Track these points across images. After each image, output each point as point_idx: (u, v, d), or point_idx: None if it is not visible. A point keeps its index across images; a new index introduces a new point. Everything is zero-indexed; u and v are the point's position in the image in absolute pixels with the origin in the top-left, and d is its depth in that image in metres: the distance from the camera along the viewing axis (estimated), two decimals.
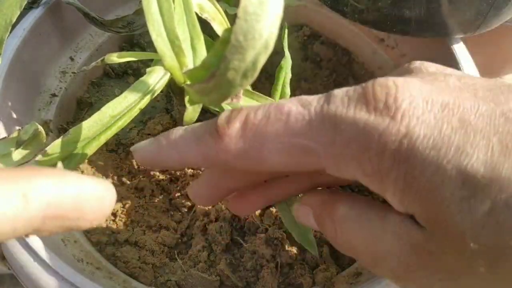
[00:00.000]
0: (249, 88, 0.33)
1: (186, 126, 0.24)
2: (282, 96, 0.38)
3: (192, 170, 0.42)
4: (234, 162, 0.22)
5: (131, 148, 0.26)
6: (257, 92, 0.32)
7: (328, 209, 0.25)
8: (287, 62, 0.38)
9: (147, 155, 0.26)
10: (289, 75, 0.38)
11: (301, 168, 0.23)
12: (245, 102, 0.33)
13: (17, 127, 0.39)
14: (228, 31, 0.16)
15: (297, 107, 0.22)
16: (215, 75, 0.17)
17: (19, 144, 0.32)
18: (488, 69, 0.73)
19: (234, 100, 0.19)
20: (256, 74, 0.17)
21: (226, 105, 0.33)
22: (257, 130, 0.21)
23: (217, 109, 0.36)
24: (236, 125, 0.21)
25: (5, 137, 0.33)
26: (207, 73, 0.19)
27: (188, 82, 0.21)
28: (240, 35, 0.15)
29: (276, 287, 0.36)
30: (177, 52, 0.24)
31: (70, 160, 0.29)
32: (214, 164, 0.24)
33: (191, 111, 0.29)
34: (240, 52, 0.16)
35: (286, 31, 0.38)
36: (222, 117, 0.22)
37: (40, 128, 0.32)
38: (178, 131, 0.24)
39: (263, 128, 0.21)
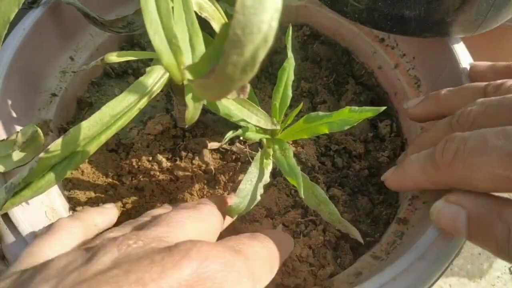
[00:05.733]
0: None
1: (414, 155, 0.32)
2: (283, 97, 0.38)
3: (192, 171, 0.42)
4: (449, 185, 0.29)
5: (383, 177, 0.36)
6: (248, 101, 0.33)
7: (497, 210, 0.26)
8: (290, 64, 0.38)
9: (393, 182, 0.35)
10: (292, 77, 0.38)
11: (503, 191, 0.27)
12: (236, 109, 0.33)
13: (17, 127, 0.39)
14: (226, 26, 0.15)
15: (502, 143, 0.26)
16: (215, 70, 0.17)
17: (17, 146, 0.32)
18: None
19: (241, 95, 0.19)
20: (255, 69, 0.17)
21: (230, 100, 0.33)
22: (467, 161, 0.27)
23: (217, 111, 0.36)
24: (449, 157, 0.28)
25: (4, 139, 0.33)
26: (207, 67, 0.18)
27: (190, 78, 0.21)
28: (238, 29, 0.15)
29: (276, 287, 0.36)
30: (175, 51, 0.24)
31: (71, 160, 0.29)
32: (438, 187, 0.30)
33: (192, 111, 0.29)
34: (238, 46, 0.15)
35: (291, 31, 0.38)
36: (438, 149, 0.29)
37: (38, 130, 0.32)
38: (409, 160, 0.32)
39: (472, 159, 0.26)
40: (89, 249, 0.23)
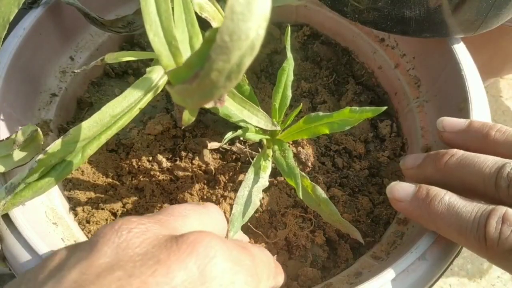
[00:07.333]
0: (233, 89, 0.33)
1: (451, 200, 0.29)
2: (283, 98, 0.38)
3: (192, 171, 0.42)
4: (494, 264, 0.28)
5: (390, 193, 0.32)
6: (240, 95, 0.33)
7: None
8: (289, 64, 0.38)
9: (407, 211, 0.31)
10: (291, 77, 0.38)
11: None
12: (236, 110, 0.33)
13: (18, 127, 0.39)
14: (214, 31, 0.15)
15: None
16: (198, 76, 0.16)
17: (16, 145, 0.32)
18: (488, 69, 0.73)
19: (218, 104, 0.19)
20: (240, 76, 0.16)
21: (230, 101, 0.33)
22: None
23: (217, 111, 0.36)
24: (507, 246, 0.25)
25: (3, 140, 0.33)
26: (190, 73, 0.18)
27: (169, 83, 0.20)
28: (225, 35, 0.15)
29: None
30: (174, 52, 0.24)
31: (71, 160, 0.29)
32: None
33: (190, 112, 0.29)
34: (225, 52, 0.15)
35: (289, 32, 0.38)
36: (491, 228, 0.26)
37: (38, 129, 0.32)
38: (443, 203, 0.29)
39: None
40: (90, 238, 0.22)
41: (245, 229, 0.39)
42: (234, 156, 0.44)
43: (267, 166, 0.37)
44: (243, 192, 0.34)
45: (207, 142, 0.43)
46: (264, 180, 0.36)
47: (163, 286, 0.19)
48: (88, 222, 0.39)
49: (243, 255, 0.23)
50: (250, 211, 0.34)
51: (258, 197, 0.34)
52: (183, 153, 0.43)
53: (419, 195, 0.30)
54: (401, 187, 0.32)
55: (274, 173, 0.42)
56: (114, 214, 0.40)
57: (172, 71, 0.20)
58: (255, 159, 0.37)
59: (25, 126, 0.33)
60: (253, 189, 0.35)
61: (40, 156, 0.27)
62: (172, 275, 0.19)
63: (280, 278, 0.29)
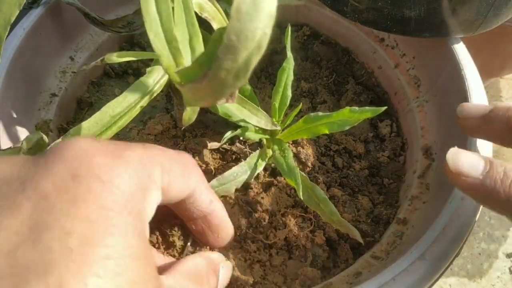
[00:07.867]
0: (241, 96, 0.34)
1: None
2: (283, 97, 0.38)
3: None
4: None
5: (451, 154, 0.27)
6: (240, 95, 0.33)
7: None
8: (289, 64, 0.38)
9: (469, 181, 0.26)
10: (291, 77, 0.38)
11: None
12: (236, 109, 0.33)
13: (18, 127, 0.39)
14: (221, 31, 0.15)
15: None
16: (207, 75, 0.17)
17: (22, 153, 0.32)
18: (488, 69, 0.73)
19: (229, 100, 0.19)
20: (248, 75, 0.17)
21: (221, 105, 0.34)
22: None
23: (217, 110, 0.36)
24: None
25: (10, 147, 0.33)
26: (199, 72, 0.18)
27: (179, 82, 0.20)
28: (232, 35, 0.15)
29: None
30: (174, 53, 0.24)
31: None
32: None
33: (190, 112, 0.29)
34: (232, 52, 0.15)
35: (290, 32, 0.38)
36: None
37: (44, 136, 0.32)
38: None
39: None
40: None
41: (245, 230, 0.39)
42: (234, 156, 0.44)
43: (262, 164, 0.38)
44: (229, 175, 0.37)
45: (207, 142, 0.43)
46: (253, 175, 0.37)
47: (36, 201, 0.17)
48: None
49: (126, 147, 0.20)
50: (220, 193, 0.36)
51: (236, 186, 0.37)
52: None
53: (495, 173, 0.25)
54: (468, 160, 0.26)
55: (274, 173, 0.42)
56: None
57: (181, 71, 0.20)
58: (254, 153, 0.38)
59: (30, 136, 0.33)
60: (238, 178, 0.37)
61: None
62: (41, 186, 0.17)
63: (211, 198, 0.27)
